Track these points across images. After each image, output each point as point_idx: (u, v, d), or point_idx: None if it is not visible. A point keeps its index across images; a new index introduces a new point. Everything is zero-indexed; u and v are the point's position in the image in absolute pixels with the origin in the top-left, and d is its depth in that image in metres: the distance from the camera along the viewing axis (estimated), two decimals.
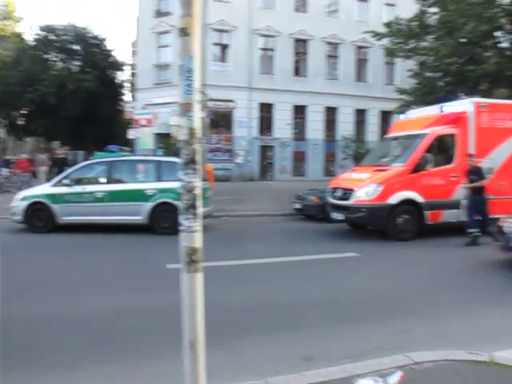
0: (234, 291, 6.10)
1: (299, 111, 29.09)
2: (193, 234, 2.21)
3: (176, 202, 10.14)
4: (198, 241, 2.24)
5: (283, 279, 6.88)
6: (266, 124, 28.50)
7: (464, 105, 11.47)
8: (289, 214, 13.99)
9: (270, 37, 28.40)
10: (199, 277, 2.25)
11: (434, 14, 21.57)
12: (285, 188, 19.50)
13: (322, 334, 4.65)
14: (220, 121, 27.42)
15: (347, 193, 10.58)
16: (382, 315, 5.23)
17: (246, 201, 16.42)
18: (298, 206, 13.47)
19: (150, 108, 27.16)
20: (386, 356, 3.94)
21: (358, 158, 21.58)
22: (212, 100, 21.64)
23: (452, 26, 19.82)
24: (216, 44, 27.32)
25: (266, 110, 28.35)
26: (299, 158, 29.10)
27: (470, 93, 20.94)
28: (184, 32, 2.09)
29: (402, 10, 25.27)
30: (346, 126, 29.36)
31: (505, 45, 20.98)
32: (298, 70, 29.31)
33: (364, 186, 10.25)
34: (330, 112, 29.69)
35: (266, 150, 28.42)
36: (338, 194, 10.88)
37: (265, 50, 28.67)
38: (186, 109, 2.10)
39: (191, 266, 2.22)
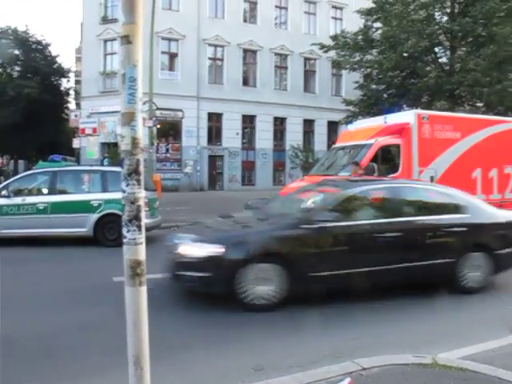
0: (181, 303, 6.00)
1: (248, 121, 29.31)
2: (136, 247, 2.14)
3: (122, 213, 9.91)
4: (141, 253, 2.18)
5: None
6: (214, 133, 28.51)
7: (407, 116, 11.94)
8: None
9: (219, 46, 28.51)
10: (143, 290, 2.19)
11: (378, 29, 22.40)
12: (234, 197, 19.49)
13: (272, 343, 4.63)
14: (168, 130, 27.19)
15: None
16: (331, 324, 5.26)
17: (196, 211, 16.23)
18: None
19: (95, 117, 26.53)
20: (335, 363, 3.97)
21: (307, 168, 21.96)
22: (160, 109, 21.44)
23: (395, 41, 20.66)
24: (164, 53, 27.17)
25: (215, 119, 28.39)
26: (248, 167, 29.25)
27: (413, 104, 21.87)
28: (127, 40, 2.03)
29: (349, 24, 26.15)
30: (294, 136, 29.81)
31: (444, 60, 22.05)
32: (247, 80, 29.56)
33: (312, 196, 10.39)
34: (279, 122, 30.12)
35: (215, 160, 28.39)
36: None
37: (214, 59, 28.74)
38: (128, 118, 2.05)
39: (135, 279, 2.15)
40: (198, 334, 4.90)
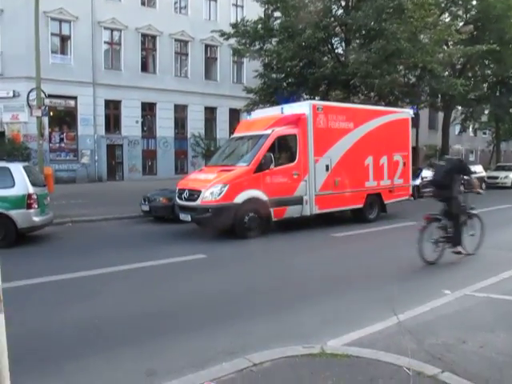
0: (71, 308, 5.67)
1: (148, 108, 28.42)
2: None
3: (8, 212, 9.22)
4: None
5: (126, 289, 6.57)
6: (113, 122, 27.27)
7: (303, 107, 12.16)
8: (138, 216, 13.56)
9: (116, 30, 27.16)
10: (1, 318, 1.97)
11: (278, 18, 22.65)
12: (135, 188, 18.89)
13: (165, 345, 4.53)
14: (63, 118, 25.65)
15: (194, 194, 10.60)
16: (225, 318, 5.26)
17: (93, 204, 15.54)
18: (146, 207, 13.11)
19: None
20: (228, 361, 3.96)
21: (209, 156, 21.88)
22: (52, 96, 20.15)
23: (293, 31, 20.98)
24: (55, 34, 25.36)
25: (113, 107, 27.13)
26: (149, 156, 28.47)
27: (311, 93, 22.51)
28: None
29: (249, 12, 26.17)
30: (196, 124, 29.50)
31: (339, 51, 22.88)
32: (146, 67, 28.58)
33: (210, 187, 10.35)
34: (180, 109, 29.55)
35: (114, 149, 27.17)
36: (185, 195, 10.85)
37: (110, 44, 27.36)
38: None
39: None
40: (84, 342, 4.65)
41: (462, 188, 8.19)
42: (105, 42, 26.99)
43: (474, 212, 8.35)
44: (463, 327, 4.84)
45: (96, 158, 26.16)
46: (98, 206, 14.92)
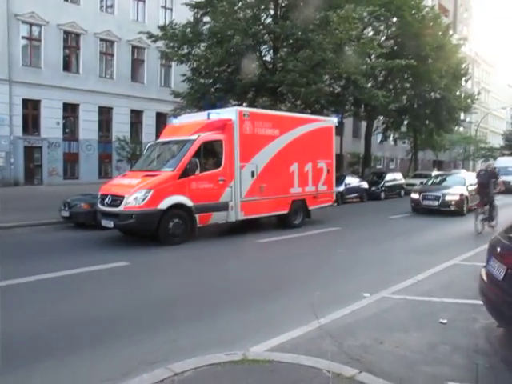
0: None
1: (70, 109, 27.18)
2: None
3: None
4: None
5: (43, 300, 6.19)
6: (31, 122, 25.75)
7: (229, 113, 12.16)
8: (57, 222, 12.90)
9: (36, 25, 25.67)
10: None
11: (207, 23, 22.59)
12: (54, 193, 17.99)
13: (84, 357, 4.33)
14: None
15: (117, 199, 10.25)
16: (148, 327, 5.13)
17: (7, 209, 14.50)
18: (66, 213, 12.51)
19: None
20: (149, 371, 3.83)
21: (134, 160, 21.34)
22: None
23: (221, 37, 21.02)
24: None
25: (32, 106, 25.63)
26: (71, 159, 27.21)
27: (239, 99, 22.59)
28: None
29: (178, 15, 25.89)
30: (121, 127, 28.63)
31: (267, 59, 23.20)
32: (69, 66, 27.30)
33: (134, 192, 10.06)
34: (105, 112, 28.58)
35: (32, 151, 25.66)
36: (108, 200, 10.47)
37: (29, 39, 25.88)
38: None
39: None
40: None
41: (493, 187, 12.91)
42: (23, 37, 25.38)
43: (495, 203, 13.26)
44: (381, 328, 5.03)
45: (12, 160, 24.54)
46: (13, 212, 14.00)
